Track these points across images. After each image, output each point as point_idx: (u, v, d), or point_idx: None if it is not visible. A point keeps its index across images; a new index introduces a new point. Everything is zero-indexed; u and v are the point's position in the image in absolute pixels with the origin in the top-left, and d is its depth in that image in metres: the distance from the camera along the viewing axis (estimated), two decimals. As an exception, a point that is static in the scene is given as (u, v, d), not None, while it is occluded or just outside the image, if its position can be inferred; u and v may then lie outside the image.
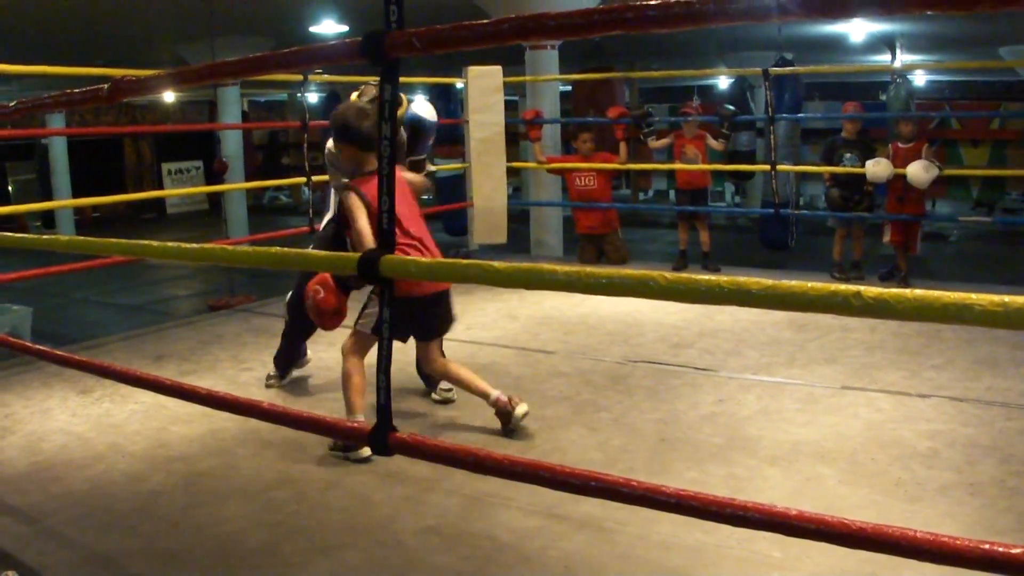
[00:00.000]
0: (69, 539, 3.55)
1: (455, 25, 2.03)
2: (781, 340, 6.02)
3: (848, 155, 8.08)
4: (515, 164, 10.45)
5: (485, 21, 2.02)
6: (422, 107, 5.00)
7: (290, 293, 5.33)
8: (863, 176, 7.80)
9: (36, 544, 3.50)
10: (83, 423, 4.87)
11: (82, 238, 3.59)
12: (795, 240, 11.73)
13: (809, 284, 1.66)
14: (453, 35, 2.04)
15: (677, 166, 9.11)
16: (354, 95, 4.91)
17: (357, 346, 4.35)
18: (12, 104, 3.92)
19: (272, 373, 5.49)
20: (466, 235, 10.06)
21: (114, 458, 4.36)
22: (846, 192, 8.07)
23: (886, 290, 1.60)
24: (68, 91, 3.51)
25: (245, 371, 5.73)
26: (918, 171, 7.50)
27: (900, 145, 7.98)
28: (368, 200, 4.14)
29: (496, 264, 1.96)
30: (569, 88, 17.00)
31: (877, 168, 7.63)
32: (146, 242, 3.16)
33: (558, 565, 3.20)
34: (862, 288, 1.62)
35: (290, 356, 5.46)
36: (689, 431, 4.44)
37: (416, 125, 4.96)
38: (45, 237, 4.10)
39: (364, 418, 4.12)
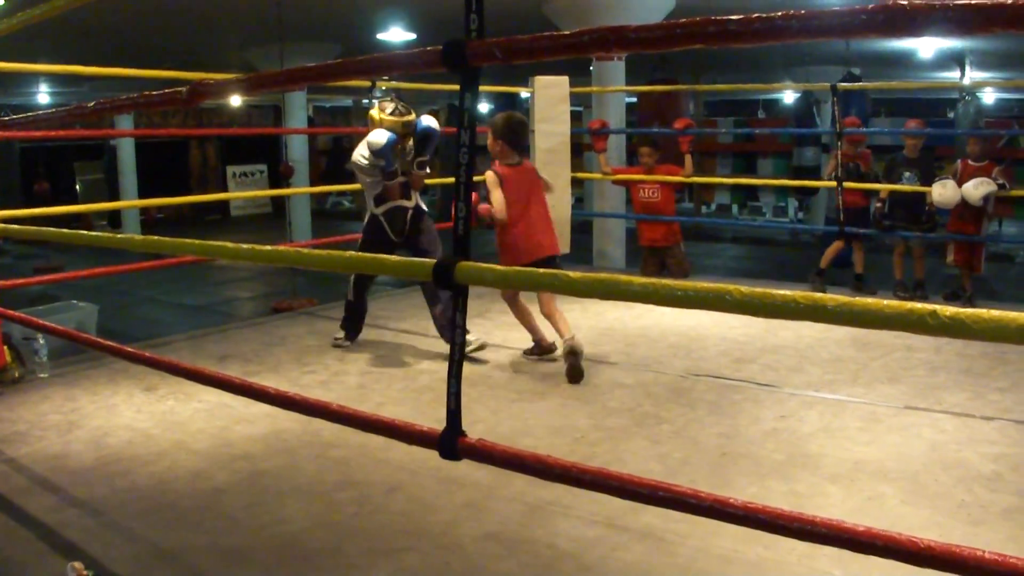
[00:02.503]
0: (134, 533, 3.61)
1: (535, 36, 2.03)
2: (844, 358, 5.96)
3: (907, 174, 7.97)
4: (579, 175, 10.43)
5: (566, 32, 2.02)
6: (428, 120, 6.07)
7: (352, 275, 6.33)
8: (923, 195, 7.70)
9: (102, 536, 3.57)
10: (148, 420, 4.96)
11: (157, 238, 3.64)
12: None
13: (885, 302, 1.66)
14: (533, 46, 2.05)
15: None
16: (374, 111, 6.10)
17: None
18: (91, 105, 4.00)
19: (339, 336, 6.47)
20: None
21: (178, 455, 4.43)
22: (904, 210, 7.97)
23: (962, 310, 1.59)
24: (147, 93, 3.57)
25: (308, 373, 5.80)
26: (968, 187, 7.41)
27: (970, 163, 7.88)
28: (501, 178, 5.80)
29: (571, 274, 1.97)
30: (634, 99, 16.97)
31: (944, 192, 7.50)
32: (220, 243, 3.20)
33: (618, 575, 3.21)
34: (938, 307, 1.61)
35: (356, 322, 6.50)
36: (750, 446, 4.41)
37: (427, 133, 6.02)
38: (120, 236, 4.19)
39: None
